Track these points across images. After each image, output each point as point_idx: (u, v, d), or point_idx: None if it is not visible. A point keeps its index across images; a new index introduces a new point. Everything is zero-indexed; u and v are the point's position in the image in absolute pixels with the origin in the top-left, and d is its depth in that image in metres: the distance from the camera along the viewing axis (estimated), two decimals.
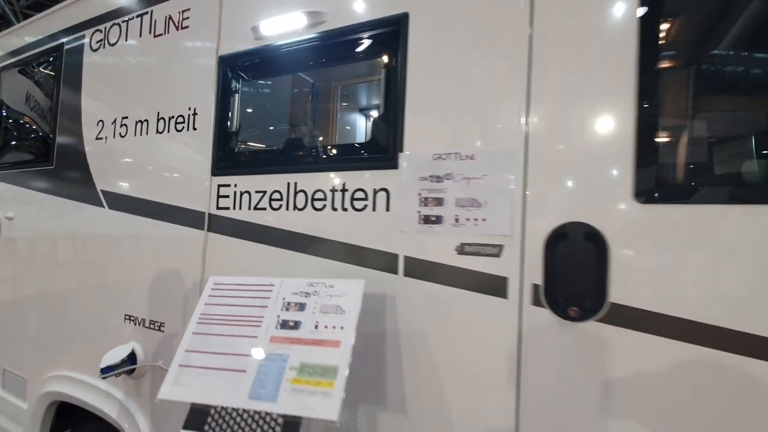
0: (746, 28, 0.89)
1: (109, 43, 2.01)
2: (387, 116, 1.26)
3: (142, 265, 1.77)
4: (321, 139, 1.53)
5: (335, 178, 1.33)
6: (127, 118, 1.88)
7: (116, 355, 1.71)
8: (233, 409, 0.94)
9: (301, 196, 1.39)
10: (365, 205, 1.28)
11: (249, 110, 1.63)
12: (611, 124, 0.98)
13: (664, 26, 0.97)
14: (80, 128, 2.06)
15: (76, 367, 1.95)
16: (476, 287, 1.11)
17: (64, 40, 2.21)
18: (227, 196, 1.55)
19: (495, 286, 1.09)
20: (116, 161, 1.91)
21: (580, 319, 0.98)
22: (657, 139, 0.94)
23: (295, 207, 1.40)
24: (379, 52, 1.32)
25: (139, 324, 1.76)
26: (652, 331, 0.92)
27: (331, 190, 1.34)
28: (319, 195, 1.36)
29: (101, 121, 1.99)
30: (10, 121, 2.52)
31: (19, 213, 2.33)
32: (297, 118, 1.61)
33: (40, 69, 2.36)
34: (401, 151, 1.23)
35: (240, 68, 1.59)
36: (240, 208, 1.52)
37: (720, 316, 0.87)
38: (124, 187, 1.86)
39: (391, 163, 1.24)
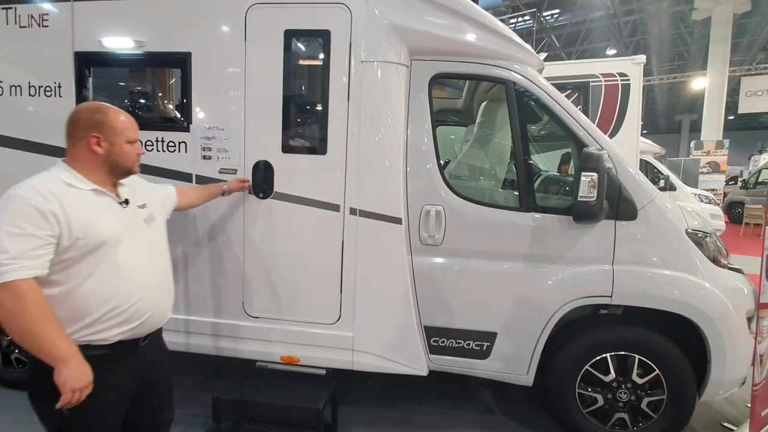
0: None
1: None
2: (182, 105, 2.54)
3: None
4: (150, 112, 2.72)
5: (159, 135, 2.58)
6: (2, 82, 2.72)
7: None
8: None
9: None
10: (174, 149, 2.58)
11: (101, 88, 2.70)
12: (272, 113, 2.43)
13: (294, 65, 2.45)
14: None
15: None
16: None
17: None
18: None
19: None
20: None
21: (264, 198, 2.49)
22: (285, 129, 2.44)
23: None
24: (178, 67, 2.55)
25: None
26: (288, 200, 2.48)
27: (156, 141, 2.59)
28: (148, 144, 2.59)
29: None
30: None
31: None
32: (136, 97, 2.76)
33: None
34: (191, 123, 2.55)
35: (91, 61, 2.63)
36: None
37: (304, 193, 2.46)
38: (6, 130, 2.75)
39: (186, 128, 2.55)
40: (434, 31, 2.36)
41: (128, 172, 1.55)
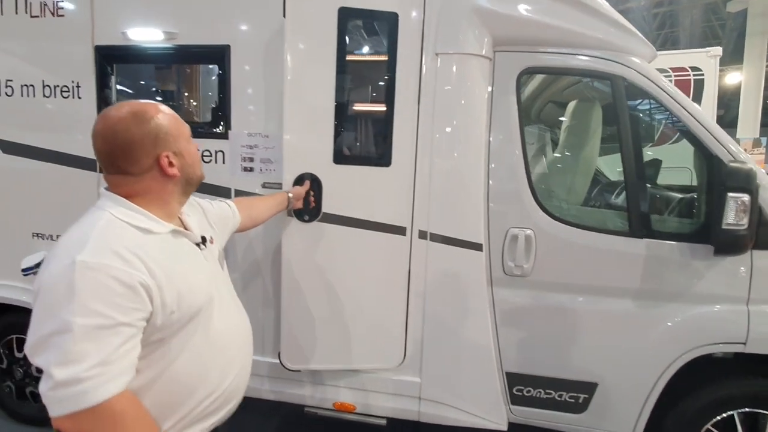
0: None
1: None
2: (220, 107, 2.15)
3: (45, 198, 2.41)
4: (182, 117, 2.33)
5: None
6: (11, 81, 2.37)
7: (32, 259, 2.41)
8: None
9: None
10: (210, 160, 2.20)
11: (125, 86, 2.33)
12: (324, 126, 2.00)
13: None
14: None
15: None
16: None
17: None
18: None
19: None
20: (6, 115, 2.41)
21: (309, 221, 2.07)
22: (338, 134, 2.02)
23: None
24: (214, 63, 2.16)
25: (47, 238, 2.46)
26: (341, 223, 2.05)
27: None
28: None
29: None
30: None
31: None
32: (165, 98, 2.38)
33: None
34: (230, 129, 2.16)
35: (114, 56, 2.26)
36: None
37: (361, 214, 2.04)
38: (18, 136, 2.40)
39: (224, 135, 2.16)
40: (526, 16, 1.93)
41: (198, 182, 1.16)
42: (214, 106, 2.20)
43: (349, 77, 2.08)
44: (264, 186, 2.17)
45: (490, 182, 2.01)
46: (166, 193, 1.08)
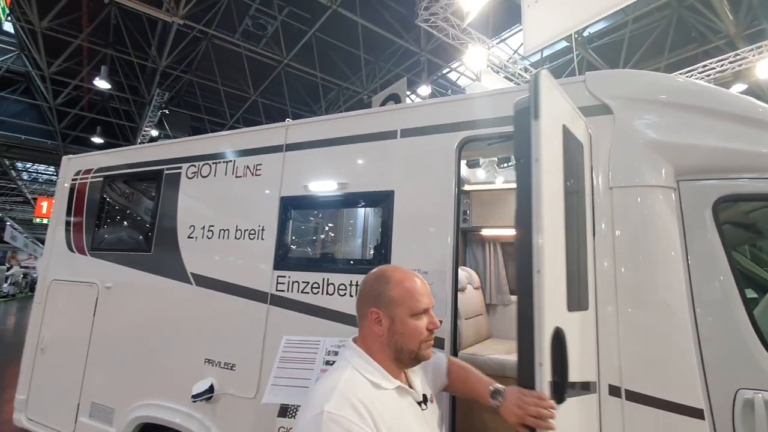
0: None
1: (201, 175, 3.06)
2: (382, 245, 2.29)
3: (220, 325, 2.69)
4: (342, 254, 2.54)
5: (350, 278, 2.32)
6: (213, 226, 2.89)
7: (202, 385, 2.59)
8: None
9: (331, 287, 2.37)
10: None
11: (298, 227, 2.65)
12: (559, 265, 1.97)
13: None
14: (176, 229, 3.06)
15: (163, 397, 2.80)
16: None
17: (163, 167, 3.27)
18: (284, 284, 2.52)
19: (437, 346, 2.04)
20: (204, 254, 2.88)
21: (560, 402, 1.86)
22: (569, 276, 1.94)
23: (327, 293, 2.38)
24: (378, 206, 2.37)
25: (216, 365, 2.65)
26: (582, 391, 1.85)
27: (349, 284, 2.33)
28: (341, 287, 2.34)
29: (192, 226, 2.99)
30: (117, 216, 3.53)
31: (119, 283, 3.25)
32: (329, 239, 2.65)
33: (142, 183, 3.41)
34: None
35: (294, 205, 2.64)
36: (292, 291, 2.49)
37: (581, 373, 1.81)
38: (209, 271, 2.83)
39: None
40: (709, 144, 1.79)
41: (414, 359, 1.20)
42: (376, 243, 2.35)
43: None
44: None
45: (699, 329, 1.67)
46: (375, 348, 1.21)
